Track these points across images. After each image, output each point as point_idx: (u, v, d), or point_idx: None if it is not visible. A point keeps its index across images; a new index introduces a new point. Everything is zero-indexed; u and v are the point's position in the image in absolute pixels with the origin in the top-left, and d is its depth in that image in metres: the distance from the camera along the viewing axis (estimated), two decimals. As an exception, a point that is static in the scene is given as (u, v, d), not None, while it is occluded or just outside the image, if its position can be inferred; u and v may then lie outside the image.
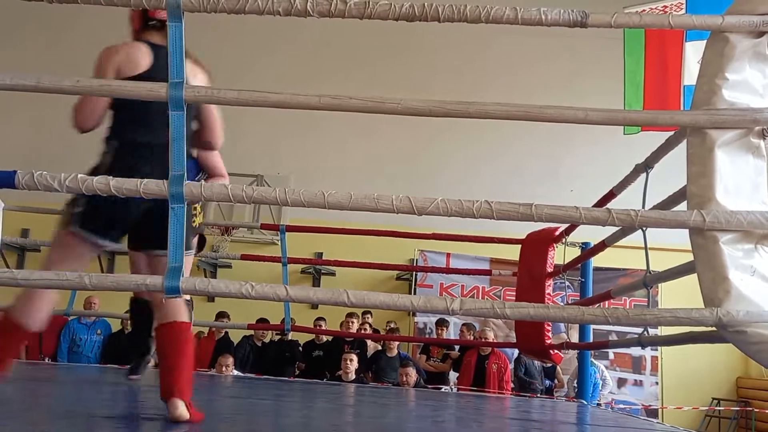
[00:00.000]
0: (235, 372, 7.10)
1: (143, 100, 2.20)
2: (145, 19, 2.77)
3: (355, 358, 7.48)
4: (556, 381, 8.81)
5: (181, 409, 2.43)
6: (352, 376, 7.26)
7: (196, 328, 8.70)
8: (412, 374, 7.06)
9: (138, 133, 2.62)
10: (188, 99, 2.11)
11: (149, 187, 2.09)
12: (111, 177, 2.13)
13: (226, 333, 8.52)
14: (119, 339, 8.25)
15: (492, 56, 11.08)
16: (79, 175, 2.12)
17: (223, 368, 6.96)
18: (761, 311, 2.04)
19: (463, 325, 8.84)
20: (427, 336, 9.86)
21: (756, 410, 9.97)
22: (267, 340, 8.65)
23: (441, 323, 8.79)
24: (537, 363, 8.17)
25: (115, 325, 8.44)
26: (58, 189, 2.13)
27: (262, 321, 7.77)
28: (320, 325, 8.28)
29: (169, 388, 2.47)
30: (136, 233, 2.75)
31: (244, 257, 6.53)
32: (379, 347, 8.28)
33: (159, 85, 2.13)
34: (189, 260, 3.62)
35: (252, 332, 8.28)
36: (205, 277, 7.64)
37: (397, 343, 8.21)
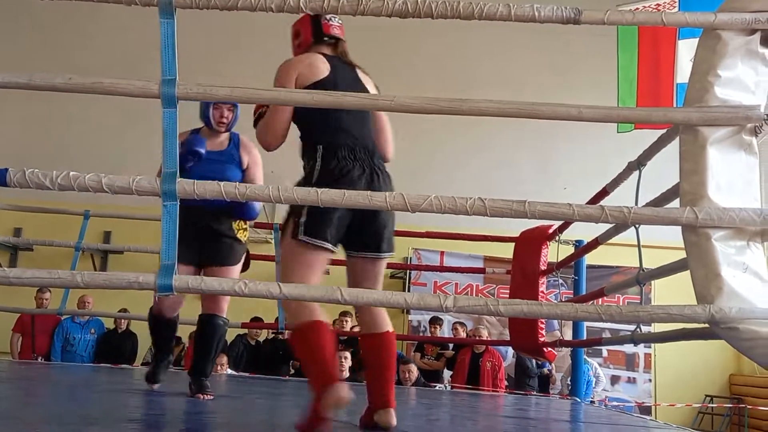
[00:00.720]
0: (229, 371, 7.09)
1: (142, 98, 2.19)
2: (318, 35, 2.87)
3: (348, 356, 7.48)
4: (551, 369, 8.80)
5: (394, 417, 2.58)
6: (346, 374, 7.25)
7: (189, 327, 8.71)
8: (414, 371, 7.09)
9: (333, 135, 2.65)
10: (181, 96, 2.10)
11: (141, 184, 2.08)
12: (103, 174, 2.12)
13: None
14: (113, 338, 8.25)
15: (485, 54, 11.07)
16: (71, 173, 2.11)
17: (218, 367, 6.94)
18: (753, 308, 2.04)
19: (456, 323, 8.85)
20: (420, 334, 9.87)
21: (749, 407, 10.01)
22: (261, 339, 8.63)
23: (435, 321, 8.80)
24: (532, 361, 8.19)
25: (108, 324, 8.43)
26: (50, 187, 2.12)
27: (256, 320, 7.76)
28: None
29: (384, 397, 2.61)
30: (354, 237, 2.71)
31: (237, 256, 6.50)
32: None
33: (151, 83, 2.12)
34: (236, 272, 3.71)
35: (245, 331, 8.27)
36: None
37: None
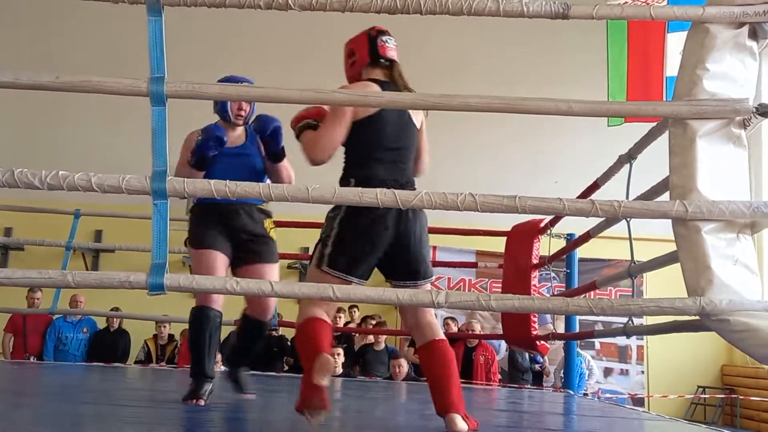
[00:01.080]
0: (223, 368, 7.08)
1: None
2: (375, 57, 2.86)
3: (341, 352, 7.49)
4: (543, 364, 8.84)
5: (460, 423, 2.59)
6: (339, 370, 7.26)
7: (182, 326, 8.69)
8: (405, 365, 7.08)
9: (371, 169, 2.72)
10: (169, 94, 2.09)
11: (131, 183, 2.08)
12: (93, 174, 2.11)
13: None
14: (105, 336, 8.23)
15: (474, 49, 11.07)
16: (60, 173, 2.10)
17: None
18: (743, 300, 2.06)
19: (447, 318, 8.85)
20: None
21: (741, 398, 10.07)
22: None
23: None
24: (526, 354, 8.22)
25: (100, 323, 8.41)
26: (39, 186, 2.11)
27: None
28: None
29: (446, 404, 2.64)
30: (388, 267, 2.80)
31: (229, 253, 6.49)
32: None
33: (139, 81, 2.11)
34: (277, 270, 3.64)
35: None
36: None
37: (384, 336, 8.21)
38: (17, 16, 10.98)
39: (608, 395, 9.56)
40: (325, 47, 11.23)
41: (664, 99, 6.28)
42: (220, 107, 3.63)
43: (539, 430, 3.30)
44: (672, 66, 6.40)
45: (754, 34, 2.25)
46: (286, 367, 7.99)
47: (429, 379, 2.77)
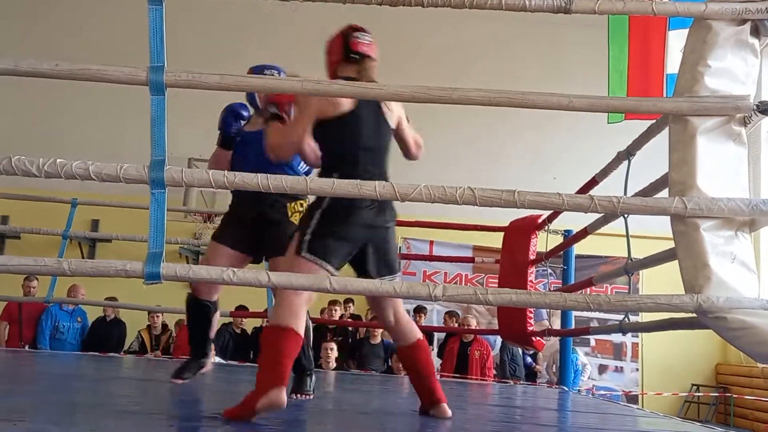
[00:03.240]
0: (217, 359, 7.08)
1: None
2: (347, 52, 2.85)
3: (335, 347, 7.50)
4: (535, 365, 8.88)
5: (447, 409, 2.89)
6: (333, 364, 7.26)
7: (177, 316, 8.69)
8: None
9: (351, 167, 2.73)
10: (169, 83, 2.08)
11: (129, 172, 2.07)
12: (91, 162, 2.11)
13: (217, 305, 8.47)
14: (101, 326, 8.23)
15: (475, 44, 11.06)
16: (58, 161, 2.09)
17: (207, 355, 6.93)
18: (741, 297, 2.05)
19: (446, 313, 8.86)
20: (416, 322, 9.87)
21: (735, 396, 10.09)
22: (248, 327, 8.63)
23: (419, 310, 8.80)
24: (520, 350, 8.24)
25: (94, 313, 8.39)
26: (36, 174, 2.10)
27: (241, 308, 7.72)
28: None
29: (436, 396, 2.91)
30: (362, 262, 2.81)
31: (226, 244, 6.47)
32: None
33: (139, 69, 2.10)
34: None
35: (231, 320, 8.27)
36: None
37: (380, 330, 8.21)
38: (15, 6, 10.94)
39: (602, 392, 9.59)
40: (322, 41, 11.23)
41: (664, 96, 6.27)
42: (249, 94, 3.59)
43: (533, 425, 3.30)
44: (673, 64, 6.38)
45: (756, 31, 2.24)
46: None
47: (415, 376, 2.96)
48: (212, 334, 3.78)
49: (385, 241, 2.80)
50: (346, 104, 2.71)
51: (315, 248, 2.63)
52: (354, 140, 2.75)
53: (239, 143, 3.55)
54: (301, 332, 2.58)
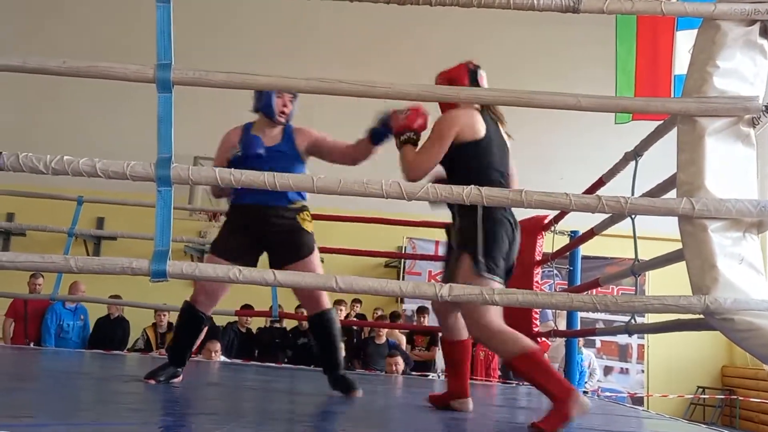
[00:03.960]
0: (223, 358, 7.08)
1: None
2: (474, 80, 3.11)
3: (342, 345, 7.47)
4: None
5: (470, 403, 3.24)
6: (220, 357, 7.19)
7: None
8: (400, 363, 7.07)
9: (491, 182, 2.91)
10: (176, 81, 2.08)
11: (136, 169, 2.07)
12: (98, 159, 2.10)
13: (212, 319, 8.50)
14: (106, 324, 8.24)
15: (483, 44, 11.04)
16: (65, 158, 2.09)
17: (212, 354, 6.94)
18: (749, 299, 2.04)
19: (419, 308, 8.83)
20: (414, 323, 9.87)
21: (740, 398, 10.06)
22: (252, 327, 8.64)
23: (422, 311, 8.79)
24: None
25: (97, 311, 8.40)
26: (43, 171, 2.10)
27: (246, 307, 7.73)
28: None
29: (464, 390, 3.25)
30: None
31: (231, 243, 6.47)
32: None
33: (146, 67, 2.10)
34: (316, 262, 3.57)
35: (236, 319, 8.28)
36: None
37: (385, 330, 8.21)
38: (23, 4, 10.98)
39: (608, 394, 9.57)
40: (329, 41, 11.27)
41: (673, 97, 6.26)
42: (265, 104, 3.54)
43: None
44: (681, 64, 6.37)
45: (765, 32, 2.23)
46: (286, 360, 8.00)
47: (451, 370, 3.27)
48: (195, 346, 3.78)
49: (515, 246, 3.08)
50: (481, 131, 2.94)
51: (489, 267, 2.85)
52: (489, 163, 2.95)
53: (255, 156, 3.45)
54: (530, 343, 2.84)
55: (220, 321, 8.52)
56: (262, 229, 3.48)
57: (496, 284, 2.83)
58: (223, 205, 10.76)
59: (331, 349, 3.65)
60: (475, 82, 3.09)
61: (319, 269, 3.56)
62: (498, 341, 2.84)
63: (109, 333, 8.14)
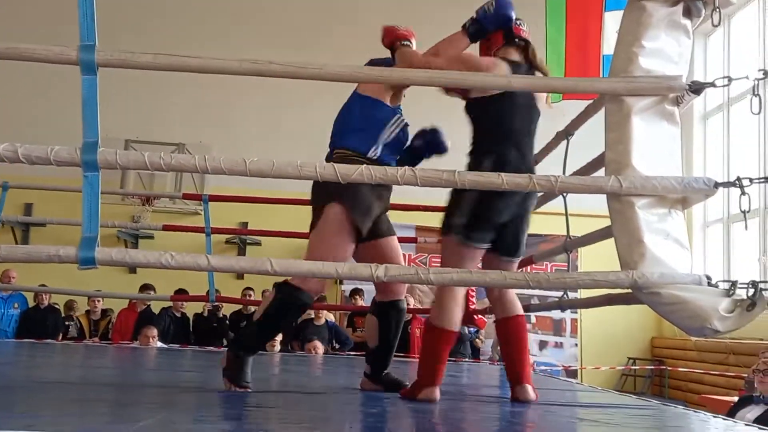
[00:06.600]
0: (159, 344, 6.98)
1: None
2: (509, 37, 3.05)
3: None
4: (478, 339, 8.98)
5: (531, 392, 2.95)
6: (278, 347, 7.23)
7: (114, 302, 8.53)
8: (320, 348, 7.20)
9: (504, 148, 2.91)
10: (100, 63, 2.02)
11: (60, 154, 2.00)
12: (20, 144, 2.03)
13: (149, 305, 8.38)
14: (36, 313, 8.02)
15: (426, 24, 11.04)
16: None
17: (149, 340, 6.84)
18: (675, 273, 2.11)
19: (354, 290, 8.91)
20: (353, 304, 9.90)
21: (669, 368, 10.43)
22: (188, 311, 8.55)
23: (356, 292, 8.82)
24: (465, 328, 8.31)
25: (31, 300, 8.19)
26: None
27: (180, 292, 7.62)
28: (249, 295, 8.21)
29: (520, 375, 2.98)
30: (500, 243, 2.96)
31: (166, 228, 6.37)
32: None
33: (69, 49, 2.03)
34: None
35: (170, 304, 8.19)
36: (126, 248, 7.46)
37: (324, 312, 8.20)
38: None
39: (543, 367, 9.78)
40: (335, 31, 11.09)
41: (601, 77, 6.38)
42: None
43: (476, 399, 3.34)
44: (609, 45, 6.49)
45: (688, 12, 2.29)
46: (225, 343, 7.93)
47: (506, 350, 3.07)
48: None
49: (524, 223, 3.05)
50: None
51: (472, 234, 2.85)
52: (512, 120, 2.93)
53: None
54: (457, 329, 2.91)
55: (155, 306, 8.41)
56: (380, 203, 3.23)
57: (476, 250, 2.87)
58: (156, 188, 10.53)
59: (392, 345, 3.32)
60: (510, 31, 3.05)
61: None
62: (442, 304, 2.89)
63: (40, 322, 7.92)
